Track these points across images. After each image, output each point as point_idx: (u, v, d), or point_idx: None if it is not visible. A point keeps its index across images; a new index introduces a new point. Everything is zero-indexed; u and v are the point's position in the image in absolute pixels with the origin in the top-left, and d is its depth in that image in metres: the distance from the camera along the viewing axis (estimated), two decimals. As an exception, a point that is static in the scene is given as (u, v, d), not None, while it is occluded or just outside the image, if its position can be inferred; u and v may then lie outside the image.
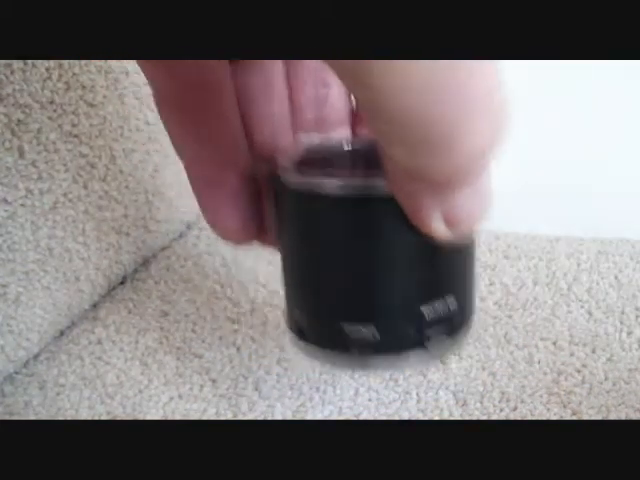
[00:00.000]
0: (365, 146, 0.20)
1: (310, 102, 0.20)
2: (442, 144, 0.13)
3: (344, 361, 0.19)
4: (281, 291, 0.20)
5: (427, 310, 0.18)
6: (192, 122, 0.18)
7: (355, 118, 0.21)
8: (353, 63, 0.11)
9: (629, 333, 0.28)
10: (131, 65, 0.33)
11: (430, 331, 0.18)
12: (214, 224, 0.20)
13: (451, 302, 0.18)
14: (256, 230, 0.20)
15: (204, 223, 0.45)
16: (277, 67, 0.19)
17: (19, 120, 0.27)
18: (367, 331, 0.18)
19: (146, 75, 0.18)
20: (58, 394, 0.27)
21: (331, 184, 0.17)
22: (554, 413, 0.24)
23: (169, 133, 0.19)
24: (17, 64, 0.27)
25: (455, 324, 0.19)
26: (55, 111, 0.29)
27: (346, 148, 0.20)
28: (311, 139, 0.20)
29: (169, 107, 0.18)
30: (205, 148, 0.18)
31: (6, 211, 0.27)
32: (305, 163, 0.18)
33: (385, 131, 0.13)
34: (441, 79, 0.12)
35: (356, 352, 0.18)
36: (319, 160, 0.19)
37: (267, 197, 0.19)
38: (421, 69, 0.11)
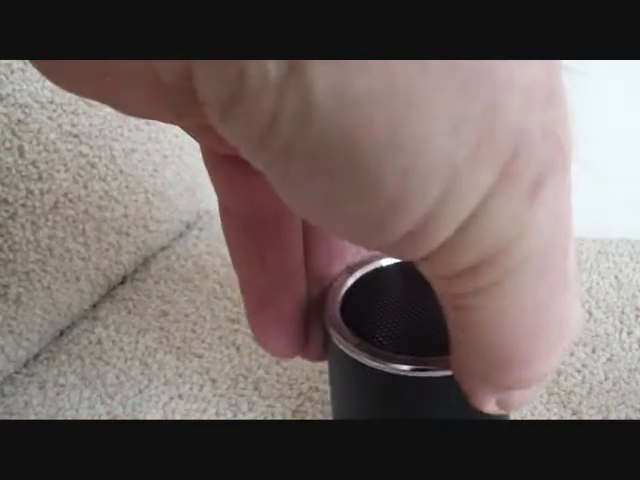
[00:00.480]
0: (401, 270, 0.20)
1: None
2: (519, 368, 0.13)
3: None
4: None
5: None
6: (257, 247, 0.18)
7: None
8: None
9: (629, 333, 0.28)
10: (131, 65, 0.33)
11: None
12: (264, 344, 0.20)
13: None
14: (302, 347, 0.20)
15: (204, 223, 0.45)
16: None
17: (19, 120, 0.27)
18: None
19: (216, 190, 0.17)
20: (58, 394, 0.27)
21: (371, 362, 0.18)
22: (554, 413, 0.24)
23: (230, 249, 0.18)
24: (17, 64, 0.27)
25: None
26: (55, 111, 0.29)
27: (396, 268, 0.21)
28: (357, 269, 0.20)
29: (236, 227, 0.17)
30: (266, 273, 0.18)
31: (6, 211, 0.27)
32: (353, 302, 0.19)
33: (470, 349, 0.14)
34: (528, 319, 0.12)
35: None
36: (365, 298, 0.20)
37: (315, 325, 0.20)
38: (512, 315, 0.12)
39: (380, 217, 0.10)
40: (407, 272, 0.20)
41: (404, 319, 0.20)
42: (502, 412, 0.17)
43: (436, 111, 0.09)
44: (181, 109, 0.11)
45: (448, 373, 0.17)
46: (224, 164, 0.16)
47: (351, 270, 0.20)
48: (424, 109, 0.09)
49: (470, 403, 0.17)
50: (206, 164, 0.16)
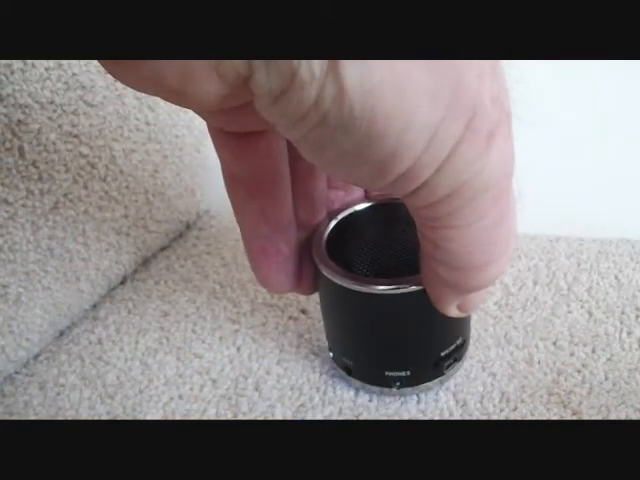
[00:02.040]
0: (382, 206, 0.26)
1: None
2: (478, 271, 0.18)
3: (384, 394, 0.26)
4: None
5: (444, 353, 0.24)
6: (259, 204, 0.22)
7: None
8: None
9: (629, 333, 0.28)
10: (131, 65, 0.33)
11: (446, 364, 0.25)
12: (265, 283, 0.24)
13: (459, 341, 0.25)
14: (296, 283, 0.24)
15: (204, 223, 0.45)
16: None
17: (19, 120, 0.27)
18: (403, 374, 0.24)
19: (218, 153, 0.21)
20: (58, 394, 0.27)
21: (355, 284, 0.22)
22: (554, 413, 0.24)
23: (234, 208, 0.22)
24: (17, 64, 0.27)
25: (462, 351, 0.26)
26: (55, 111, 0.29)
27: (367, 212, 0.26)
28: (336, 215, 0.25)
29: (240, 190, 0.21)
30: (266, 224, 0.22)
31: (7, 212, 0.27)
32: (335, 241, 0.24)
33: (440, 260, 0.18)
34: (486, 234, 0.16)
35: (394, 387, 0.25)
36: (345, 236, 0.25)
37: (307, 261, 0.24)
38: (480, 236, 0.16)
39: (383, 163, 0.14)
40: (377, 214, 0.26)
41: (377, 250, 0.25)
42: (462, 315, 0.21)
43: (420, 90, 0.13)
44: (225, 100, 0.15)
45: (415, 289, 0.22)
46: (231, 140, 0.20)
47: (331, 216, 0.25)
48: (413, 90, 0.13)
49: (437, 309, 0.21)
50: (215, 141, 0.20)
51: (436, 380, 0.25)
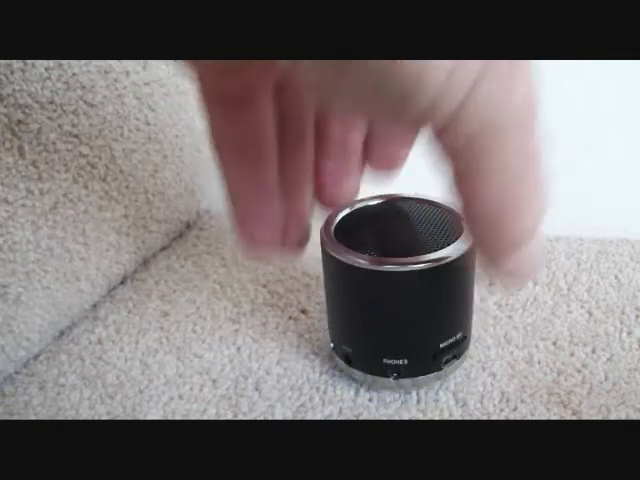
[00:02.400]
0: (393, 202, 0.27)
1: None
2: (513, 220, 0.17)
3: (382, 383, 0.25)
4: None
5: (443, 344, 0.24)
6: (249, 169, 0.22)
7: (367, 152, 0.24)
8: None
9: (629, 333, 0.28)
10: (131, 65, 0.33)
11: (445, 358, 0.25)
12: (249, 238, 0.23)
13: (459, 336, 0.25)
14: (283, 238, 0.23)
15: (204, 223, 0.45)
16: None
17: (19, 120, 0.27)
18: (402, 363, 0.24)
19: (213, 129, 0.21)
20: (58, 394, 0.27)
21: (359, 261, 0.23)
22: (554, 413, 0.24)
23: (225, 173, 0.22)
24: (17, 64, 0.27)
25: (461, 348, 0.25)
26: (55, 111, 0.29)
27: (379, 206, 0.27)
28: (346, 207, 0.26)
29: (230, 157, 0.21)
30: (255, 189, 0.22)
31: (7, 211, 0.27)
32: (344, 228, 0.25)
33: (476, 215, 0.18)
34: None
35: (392, 377, 0.25)
36: (354, 225, 0.25)
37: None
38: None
39: (407, 92, 0.14)
40: (388, 208, 0.27)
41: (383, 238, 0.25)
42: (518, 276, 0.20)
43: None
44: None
45: (416, 268, 0.22)
46: (226, 104, 0.20)
47: (345, 206, 0.26)
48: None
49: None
50: (208, 107, 0.20)
51: (434, 374, 0.25)
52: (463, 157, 0.16)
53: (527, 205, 0.18)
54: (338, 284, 0.25)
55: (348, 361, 0.26)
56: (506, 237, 0.18)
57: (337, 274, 0.24)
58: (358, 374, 0.26)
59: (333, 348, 0.27)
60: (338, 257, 0.23)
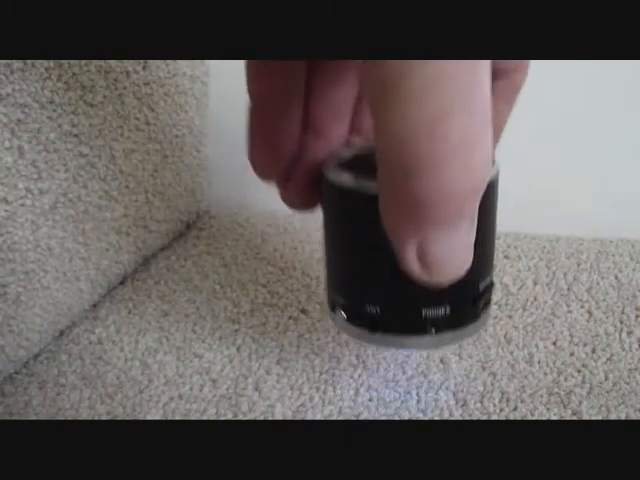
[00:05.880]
0: None
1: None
2: (425, 174, 0.14)
3: (421, 342, 0.21)
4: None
5: (482, 285, 0.21)
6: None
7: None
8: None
9: (629, 333, 0.28)
10: (131, 65, 0.33)
11: (482, 303, 0.21)
12: (254, 161, 0.23)
13: (489, 280, 0.22)
14: (286, 174, 0.23)
15: (204, 223, 0.45)
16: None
17: (19, 120, 0.27)
18: (442, 313, 0.20)
19: (254, 88, 0.21)
20: (58, 394, 0.27)
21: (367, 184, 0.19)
22: (554, 413, 0.24)
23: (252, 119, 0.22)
24: (17, 64, 0.27)
25: (491, 294, 0.22)
26: (55, 111, 0.29)
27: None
28: (361, 144, 0.22)
29: (263, 111, 0.21)
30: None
31: (6, 211, 0.27)
32: (351, 166, 0.21)
33: (385, 151, 0.15)
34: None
35: (433, 332, 0.21)
36: (363, 163, 0.21)
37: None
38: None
39: None
40: None
41: None
42: (425, 274, 0.17)
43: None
44: None
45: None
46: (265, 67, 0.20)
47: (348, 145, 0.23)
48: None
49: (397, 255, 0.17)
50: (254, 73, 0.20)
51: (474, 325, 0.21)
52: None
53: (449, 156, 0.14)
54: (354, 228, 0.20)
55: (373, 326, 0.21)
56: (407, 195, 0.15)
57: (354, 213, 0.20)
58: (389, 339, 0.21)
59: (347, 319, 0.22)
60: (355, 187, 0.19)
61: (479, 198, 0.16)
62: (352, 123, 0.23)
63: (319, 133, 0.22)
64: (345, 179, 0.20)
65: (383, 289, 0.20)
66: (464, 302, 0.21)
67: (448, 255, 0.16)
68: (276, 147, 0.22)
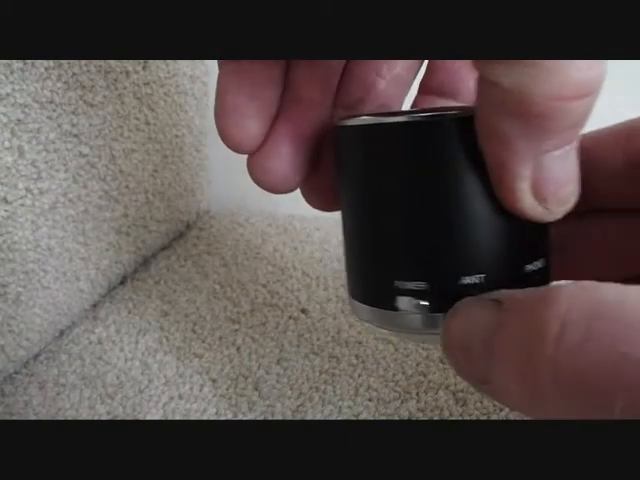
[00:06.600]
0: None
1: (358, 83, 0.21)
2: (550, 64, 0.13)
3: None
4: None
5: (530, 268, 0.16)
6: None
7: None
8: None
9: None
10: (131, 65, 0.33)
11: (530, 270, 0.17)
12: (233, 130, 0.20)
13: (542, 261, 0.17)
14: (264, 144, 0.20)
15: (204, 223, 0.45)
16: None
17: (18, 120, 0.27)
18: (479, 281, 0.16)
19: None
20: (58, 394, 0.27)
21: (395, 118, 0.16)
22: (554, 413, 0.24)
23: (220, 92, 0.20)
24: (17, 64, 0.27)
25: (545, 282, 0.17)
26: (55, 111, 0.29)
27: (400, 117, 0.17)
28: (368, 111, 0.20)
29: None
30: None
31: (6, 211, 0.27)
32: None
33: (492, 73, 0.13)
34: None
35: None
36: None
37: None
38: None
39: None
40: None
41: None
42: (539, 208, 0.15)
43: None
44: None
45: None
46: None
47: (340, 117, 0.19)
48: None
49: (500, 192, 0.14)
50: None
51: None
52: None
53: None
54: (437, 173, 0.15)
55: (418, 305, 0.16)
56: (551, 82, 0.13)
57: (433, 149, 0.15)
58: (436, 317, 0.16)
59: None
60: (424, 118, 0.15)
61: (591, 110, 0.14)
62: (337, 98, 0.21)
63: (299, 99, 0.20)
64: (394, 118, 0.16)
65: (486, 245, 0.16)
66: (503, 269, 0.16)
67: (566, 180, 0.15)
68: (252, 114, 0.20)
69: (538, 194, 0.15)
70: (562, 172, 0.15)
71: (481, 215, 0.15)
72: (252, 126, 0.19)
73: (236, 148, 0.20)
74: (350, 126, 0.17)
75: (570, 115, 0.13)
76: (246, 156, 0.21)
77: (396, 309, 0.17)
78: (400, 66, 0.21)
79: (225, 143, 0.20)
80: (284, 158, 0.20)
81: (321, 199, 0.21)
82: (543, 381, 0.13)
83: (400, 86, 0.21)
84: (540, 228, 0.16)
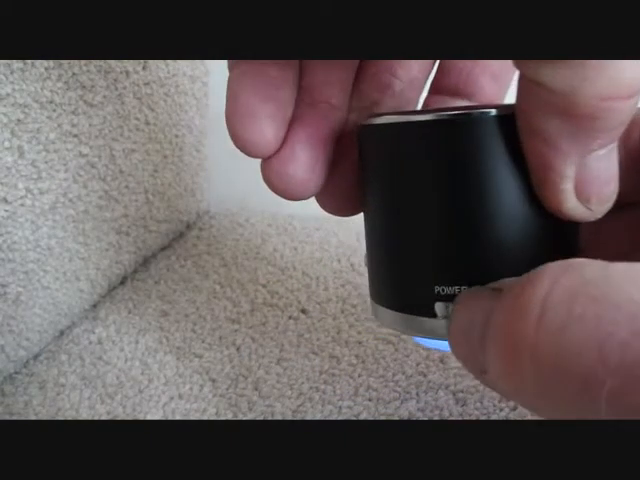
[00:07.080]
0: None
1: (373, 84, 0.21)
2: (598, 63, 0.13)
3: None
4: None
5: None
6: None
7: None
8: None
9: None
10: (131, 65, 0.33)
11: None
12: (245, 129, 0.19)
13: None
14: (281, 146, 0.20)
15: (204, 223, 0.45)
16: None
17: (18, 120, 0.27)
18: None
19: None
20: (58, 394, 0.27)
21: (422, 115, 0.15)
22: (554, 413, 0.24)
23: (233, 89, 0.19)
24: (17, 64, 0.27)
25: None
26: (55, 111, 0.29)
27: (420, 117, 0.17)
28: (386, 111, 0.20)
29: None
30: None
31: (6, 211, 0.27)
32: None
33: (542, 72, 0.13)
34: None
35: None
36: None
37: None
38: None
39: None
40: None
41: None
42: (581, 208, 0.14)
43: None
44: None
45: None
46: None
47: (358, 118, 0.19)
48: None
49: (542, 192, 0.14)
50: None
51: None
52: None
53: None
54: (477, 171, 0.15)
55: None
56: (600, 84, 0.13)
57: (471, 146, 0.15)
58: None
59: (421, 312, 0.16)
60: (460, 114, 0.15)
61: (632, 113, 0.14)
62: (351, 102, 0.21)
63: (315, 102, 0.20)
64: (424, 116, 0.15)
65: (526, 247, 0.15)
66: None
67: (608, 178, 0.15)
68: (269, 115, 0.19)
69: (582, 194, 0.14)
70: (605, 171, 0.14)
71: (520, 216, 0.15)
72: (267, 128, 0.18)
73: (250, 152, 0.19)
74: (379, 125, 0.16)
75: (619, 115, 0.13)
76: (246, 156, 0.21)
77: (434, 315, 0.16)
78: (417, 68, 0.20)
79: (238, 147, 0.19)
80: (303, 162, 0.19)
81: (337, 204, 0.21)
82: (525, 366, 0.13)
83: (416, 88, 0.21)
84: (575, 227, 0.16)
